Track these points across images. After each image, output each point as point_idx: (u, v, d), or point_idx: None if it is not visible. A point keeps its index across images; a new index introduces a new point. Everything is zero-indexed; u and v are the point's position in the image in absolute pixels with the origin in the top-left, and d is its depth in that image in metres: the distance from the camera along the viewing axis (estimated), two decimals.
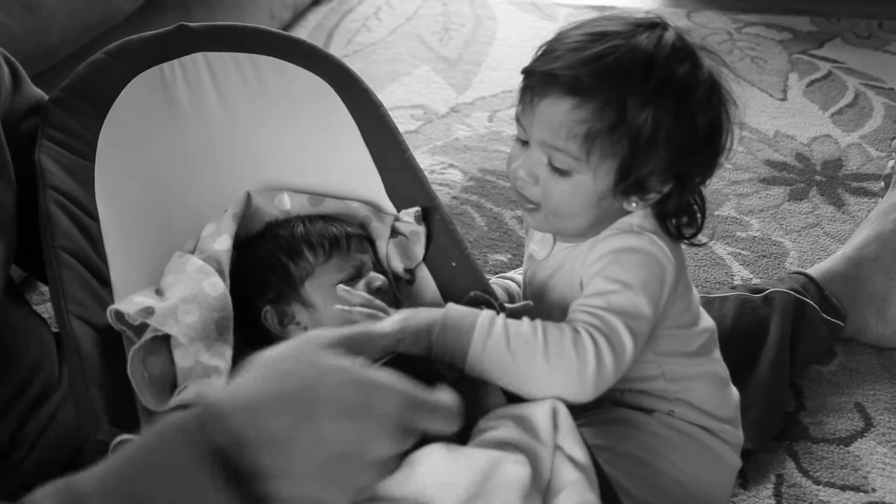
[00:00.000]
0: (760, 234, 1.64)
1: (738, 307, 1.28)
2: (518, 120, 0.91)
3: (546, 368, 0.81)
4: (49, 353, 0.97)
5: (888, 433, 1.24)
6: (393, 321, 0.83)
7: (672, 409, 0.98)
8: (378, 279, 1.01)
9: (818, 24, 2.44)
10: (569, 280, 0.95)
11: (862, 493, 1.16)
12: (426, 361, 0.83)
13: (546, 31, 2.67)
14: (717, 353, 1.03)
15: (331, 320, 0.98)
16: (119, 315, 0.91)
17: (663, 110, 0.84)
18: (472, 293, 0.90)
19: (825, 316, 1.32)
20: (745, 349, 1.24)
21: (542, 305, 0.98)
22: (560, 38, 0.89)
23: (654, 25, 0.88)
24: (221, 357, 0.91)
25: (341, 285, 0.89)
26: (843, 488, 1.17)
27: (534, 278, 1.02)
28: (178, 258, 1.01)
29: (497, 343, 0.81)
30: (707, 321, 1.02)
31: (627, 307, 0.85)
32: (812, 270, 1.38)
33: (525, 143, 0.91)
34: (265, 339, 1.00)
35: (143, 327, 0.92)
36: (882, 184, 1.52)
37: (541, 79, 0.87)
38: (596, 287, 0.87)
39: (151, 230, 1.03)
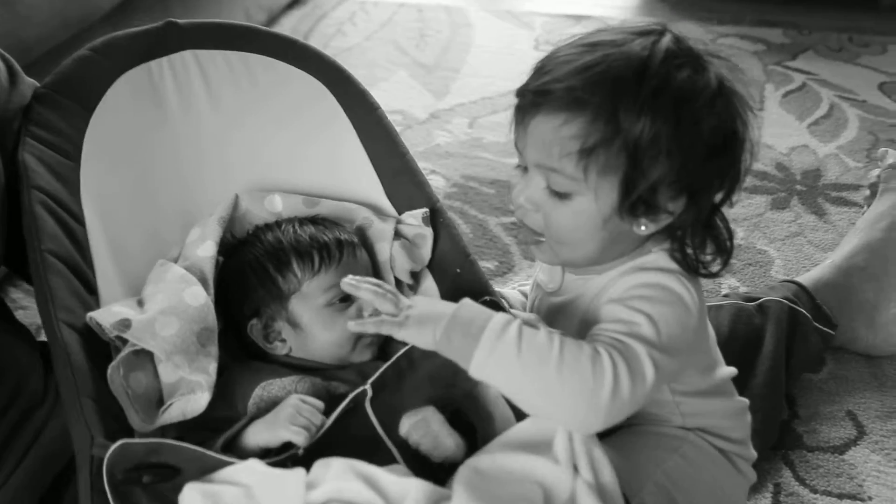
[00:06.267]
0: (745, 242, 1.64)
1: (734, 316, 1.27)
2: (515, 145, 0.86)
3: (557, 383, 0.75)
4: (35, 365, 0.92)
5: (881, 441, 1.24)
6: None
7: (687, 437, 0.96)
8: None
9: (791, 37, 2.46)
10: (583, 315, 0.90)
11: (859, 502, 1.16)
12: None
13: (523, 39, 2.64)
14: (736, 394, 1.01)
15: (319, 346, 0.94)
16: (100, 324, 0.87)
17: (661, 118, 0.78)
18: (486, 297, 0.86)
19: (817, 325, 1.31)
20: (741, 358, 1.23)
21: None
22: (552, 54, 0.84)
23: (649, 32, 0.82)
24: (204, 371, 0.87)
25: (349, 276, 0.84)
26: (840, 497, 1.16)
27: (541, 308, 0.98)
28: (160, 266, 0.96)
29: (507, 347, 0.76)
30: (725, 368, 0.99)
31: (652, 338, 0.80)
32: (803, 279, 1.38)
33: (525, 169, 0.86)
34: (252, 350, 0.96)
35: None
36: (867, 192, 1.53)
37: (530, 96, 0.82)
38: (618, 315, 0.82)
39: (139, 235, 0.99)
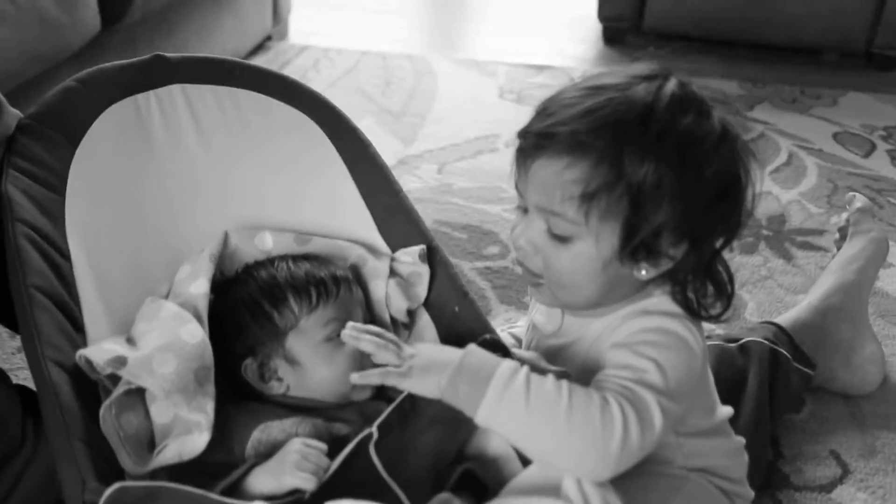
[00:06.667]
0: None
1: (717, 357, 1.27)
2: (516, 186, 0.85)
3: (566, 432, 0.74)
4: (13, 409, 0.87)
5: (866, 479, 1.25)
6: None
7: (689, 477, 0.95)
8: None
9: (746, 89, 2.54)
10: (583, 359, 0.89)
11: None
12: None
13: (487, 88, 2.66)
14: (733, 433, 1.01)
15: (319, 383, 0.91)
16: (90, 362, 0.83)
17: (665, 163, 0.78)
18: (487, 336, 0.85)
19: (797, 365, 1.32)
20: (726, 399, 1.23)
21: None
22: (555, 96, 0.83)
23: (653, 77, 0.82)
24: (202, 411, 0.84)
25: (350, 324, 0.83)
26: None
27: (538, 350, 0.96)
28: (151, 303, 0.93)
29: (515, 397, 0.75)
30: (723, 408, 0.99)
31: (660, 385, 0.79)
32: (781, 320, 1.39)
33: (525, 210, 0.85)
34: (245, 391, 0.93)
35: (118, 376, 0.83)
36: (836, 236, 1.56)
37: (533, 139, 0.81)
38: (625, 360, 0.81)
39: (126, 271, 0.95)
